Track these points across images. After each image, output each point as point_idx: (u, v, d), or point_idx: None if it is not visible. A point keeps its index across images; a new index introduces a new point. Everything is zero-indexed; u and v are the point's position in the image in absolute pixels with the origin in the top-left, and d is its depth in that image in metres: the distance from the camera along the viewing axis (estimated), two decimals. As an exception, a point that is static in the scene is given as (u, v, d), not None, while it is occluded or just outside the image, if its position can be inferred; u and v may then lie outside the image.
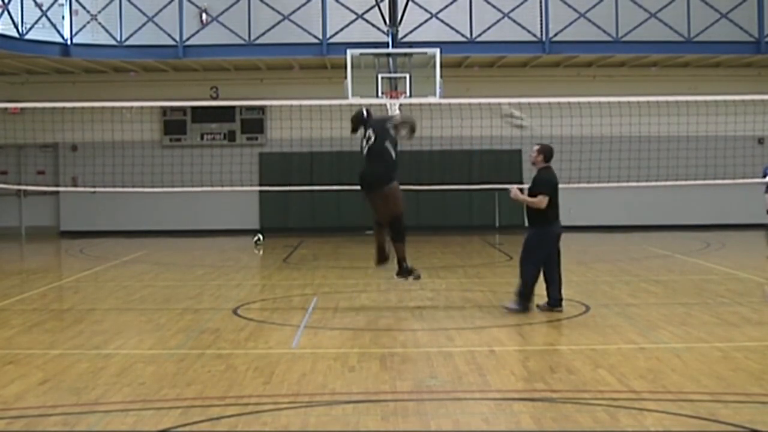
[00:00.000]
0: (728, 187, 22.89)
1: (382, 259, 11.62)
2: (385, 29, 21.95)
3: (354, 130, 11.35)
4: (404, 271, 11.39)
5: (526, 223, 11.45)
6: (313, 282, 14.63)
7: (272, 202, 25.49)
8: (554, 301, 11.16)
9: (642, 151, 23.85)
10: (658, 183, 22.25)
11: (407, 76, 19.41)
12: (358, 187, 11.31)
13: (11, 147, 25.50)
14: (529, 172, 24.59)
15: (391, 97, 19.22)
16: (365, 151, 11.10)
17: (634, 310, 11.20)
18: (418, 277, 11.59)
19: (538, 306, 11.29)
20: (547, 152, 11.31)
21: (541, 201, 11.01)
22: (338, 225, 24.78)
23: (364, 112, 11.35)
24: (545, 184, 11.12)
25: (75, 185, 24.89)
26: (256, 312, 11.66)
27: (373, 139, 11.00)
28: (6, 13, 21.38)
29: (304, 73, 24.96)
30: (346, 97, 19.13)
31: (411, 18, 22.07)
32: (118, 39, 22.53)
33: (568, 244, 21.63)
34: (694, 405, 6.78)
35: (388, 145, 11.06)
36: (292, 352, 8.89)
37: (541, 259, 11.10)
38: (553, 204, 11.09)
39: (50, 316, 11.52)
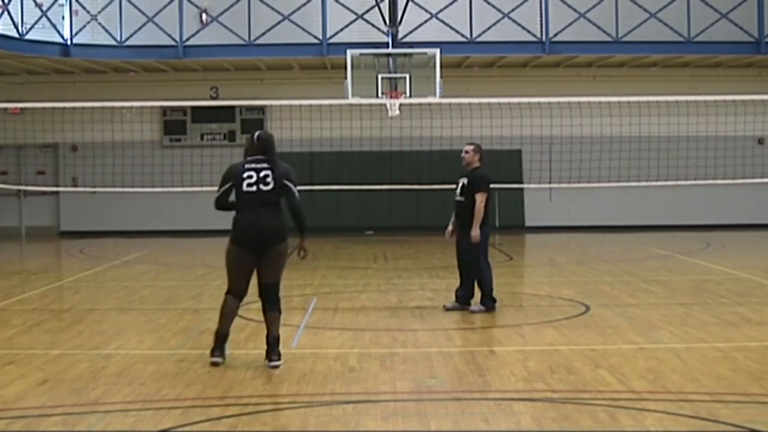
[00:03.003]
0: (728, 187, 22.91)
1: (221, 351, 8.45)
2: (385, 29, 21.93)
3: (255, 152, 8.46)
4: (277, 354, 8.28)
5: (459, 228, 11.39)
6: (313, 282, 14.62)
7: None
8: (465, 300, 11.33)
9: (642, 151, 23.85)
10: (658, 183, 22.26)
11: (407, 76, 19.39)
12: (246, 244, 8.54)
13: (11, 147, 25.49)
14: (529, 172, 24.83)
15: (391, 97, 19.21)
16: (253, 193, 8.33)
17: (634, 310, 11.20)
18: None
19: (445, 307, 11.36)
20: (482, 152, 11.43)
21: (483, 200, 11.08)
22: (338, 225, 24.77)
23: (273, 140, 8.62)
24: (485, 181, 11.21)
25: (75, 185, 24.88)
26: (256, 312, 11.61)
27: (271, 184, 8.36)
28: (6, 13, 21.37)
29: (304, 73, 24.95)
30: (346, 98, 19.12)
31: (411, 18, 22.05)
32: (118, 39, 22.52)
33: (568, 244, 21.77)
34: (694, 405, 6.78)
35: (281, 198, 8.50)
36: (292, 352, 8.89)
37: (485, 255, 11.24)
38: (492, 202, 11.36)
39: (50, 316, 11.52)
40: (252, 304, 12.22)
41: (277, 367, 8.16)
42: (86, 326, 10.54)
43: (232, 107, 24.99)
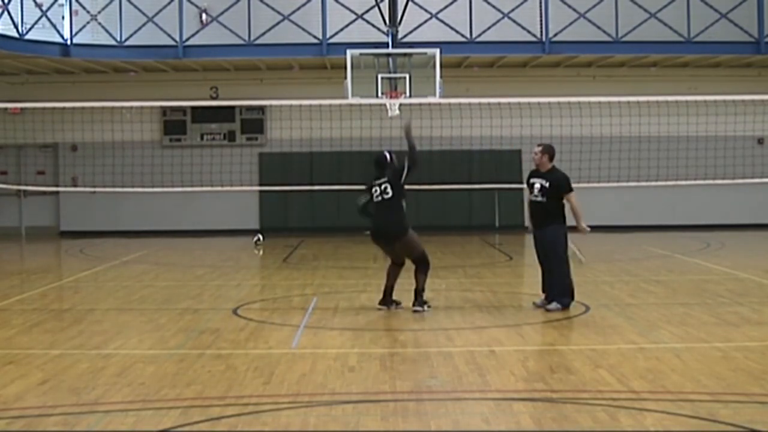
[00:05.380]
0: (728, 187, 22.91)
1: (389, 302, 11.47)
2: (385, 29, 21.94)
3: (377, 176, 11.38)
4: (421, 302, 11.27)
5: (539, 224, 11.46)
6: (313, 282, 14.63)
7: (272, 202, 25.49)
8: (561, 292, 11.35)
9: (642, 151, 23.86)
10: (658, 183, 22.26)
11: (407, 76, 19.39)
12: (373, 238, 11.46)
13: (11, 147, 25.50)
14: (528, 173, 24.73)
15: (391, 97, 19.20)
16: (378, 201, 11.27)
17: (634, 310, 11.20)
18: (429, 307, 11.34)
19: (535, 304, 11.40)
20: (551, 152, 11.58)
21: (574, 198, 11.42)
22: (338, 225, 24.77)
23: (387, 157, 11.48)
24: (568, 181, 11.47)
25: (75, 185, 24.89)
26: (256, 312, 11.66)
27: (390, 194, 11.17)
28: (6, 13, 21.37)
29: (304, 73, 24.96)
30: (346, 97, 19.12)
31: (411, 18, 22.06)
32: (118, 39, 22.52)
33: (568, 243, 21.73)
34: (694, 405, 6.78)
35: (401, 199, 11.23)
36: (292, 352, 8.89)
37: (566, 253, 11.33)
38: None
39: (50, 316, 11.52)
40: (252, 305, 12.25)
41: (418, 311, 11.04)
42: (86, 326, 10.54)
43: (232, 107, 24.99)
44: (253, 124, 25.57)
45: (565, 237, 11.36)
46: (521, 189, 24.69)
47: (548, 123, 23.33)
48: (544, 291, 11.45)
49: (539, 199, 11.40)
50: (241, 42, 22.61)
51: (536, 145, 11.73)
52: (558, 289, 11.21)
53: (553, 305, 11.15)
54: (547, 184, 11.35)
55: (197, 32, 22.71)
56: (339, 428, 6.39)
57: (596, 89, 23.43)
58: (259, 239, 22.22)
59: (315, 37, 22.53)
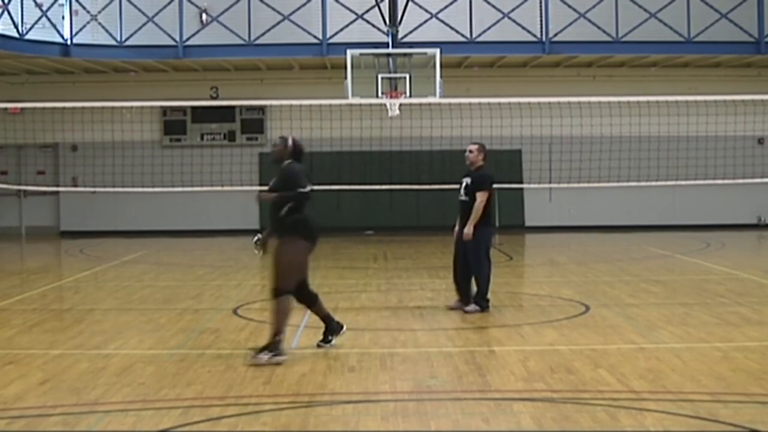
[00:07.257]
0: (728, 187, 22.91)
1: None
2: (385, 29, 21.94)
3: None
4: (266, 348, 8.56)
5: (463, 223, 11.32)
6: (313, 282, 14.53)
7: (272, 203, 25.45)
8: (469, 300, 11.32)
9: (642, 151, 23.85)
10: (658, 183, 22.25)
11: (407, 76, 19.40)
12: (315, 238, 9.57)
13: (11, 147, 25.49)
14: (529, 172, 24.83)
15: (391, 97, 19.21)
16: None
17: (634, 310, 11.20)
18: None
19: (448, 307, 11.41)
20: (486, 152, 11.47)
21: (483, 199, 11.10)
22: (338, 225, 24.77)
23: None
24: (488, 181, 11.26)
25: (75, 185, 24.88)
26: (256, 312, 11.65)
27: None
28: (6, 13, 21.37)
29: (304, 73, 24.96)
30: (346, 97, 19.12)
31: (411, 18, 22.06)
32: (118, 39, 22.52)
33: (568, 244, 21.78)
34: (694, 405, 6.78)
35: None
36: (292, 352, 8.89)
37: (488, 255, 11.26)
38: (493, 201, 11.33)
39: (50, 316, 11.52)
40: (252, 305, 12.25)
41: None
42: (86, 326, 10.54)
43: (232, 107, 24.99)
44: (253, 124, 25.57)
45: (488, 238, 11.28)
46: (521, 189, 24.80)
47: (548, 123, 23.34)
48: (457, 291, 11.40)
49: (464, 198, 11.31)
50: (241, 42, 22.60)
51: (471, 143, 11.57)
52: (478, 291, 11.18)
53: (472, 307, 11.14)
54: (470, 182, 11.27)
55: (197, 32, 22.70)
56: (339, 428, 6.39)
57: (596, 89, 23.42)
58: (258, 239, 22.18)
59: (315, 37, 22.52)
